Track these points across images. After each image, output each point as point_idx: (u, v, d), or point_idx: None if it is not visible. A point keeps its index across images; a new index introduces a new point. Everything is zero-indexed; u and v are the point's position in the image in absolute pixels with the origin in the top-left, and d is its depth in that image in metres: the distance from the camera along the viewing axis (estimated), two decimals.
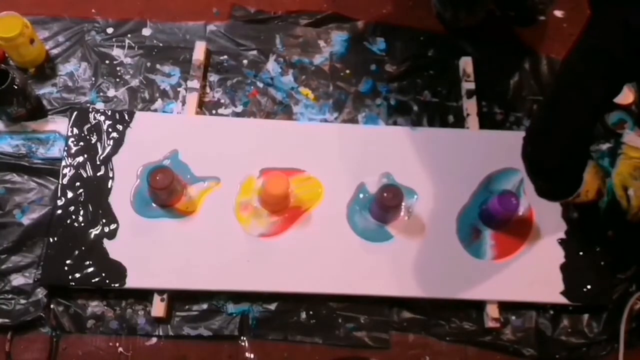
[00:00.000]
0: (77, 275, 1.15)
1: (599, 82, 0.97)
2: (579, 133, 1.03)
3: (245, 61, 1.42)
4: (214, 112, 1.36)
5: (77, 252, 1.17)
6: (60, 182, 1.23)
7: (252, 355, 1.17)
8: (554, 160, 1.07)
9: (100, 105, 1.34)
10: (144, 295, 1.18)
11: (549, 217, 1.26)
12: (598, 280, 1.23)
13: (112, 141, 1.27)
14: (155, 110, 1.35)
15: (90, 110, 1.30)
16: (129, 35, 1.42)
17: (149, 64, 1.39)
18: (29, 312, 1.16)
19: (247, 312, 1.19)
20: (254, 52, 1.42)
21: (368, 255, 1.21)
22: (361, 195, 1.25)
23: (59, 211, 1.20)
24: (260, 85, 1.39)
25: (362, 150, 1.29)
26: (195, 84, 1.35)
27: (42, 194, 1.24)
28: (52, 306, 1.17)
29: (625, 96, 1.41)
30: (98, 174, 1.24)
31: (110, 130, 1.28)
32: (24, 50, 1.31)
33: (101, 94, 1.35)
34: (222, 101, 1.37)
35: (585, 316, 1.23)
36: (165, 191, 1.17)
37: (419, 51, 1.46)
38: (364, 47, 1.46)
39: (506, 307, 1.22)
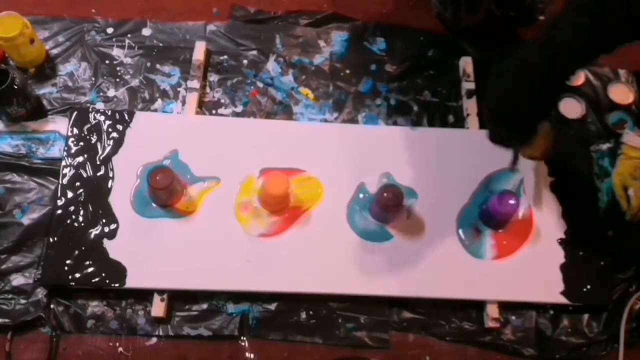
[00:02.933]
0: (77, 275, 1.15)
1: (580, 35, 0.94)
2: (542, 78, 0.99)
3: (245, 61, 1.42)
4: (214, 112, 1.36)
5: (77, 252, 1.17)
6: (60, 182, 1.23)
7: (252, 355, 1.17)
8: (508, 100, 1.02)
9: (100, 105, 1.34)
10: (144, 295, 1.18)
11: (549, 217, 1.26)
12: (598, 280, 1.22)
13: (112, 141, 1.27)
14: (155, 110, 1.34)
15: (90, 110, 1.30)
16: (129, 35, 1.42)
17: (149, 64, 1.39)
18: (29, 312, 1.16)
19: (247, 312, 1.19)
20: (254, 52, 1.42)
21: (368, 255, 1.20)
22: (361, 195, 1.25)
23: (59, 211, 1.20)
24: (260, 85, 1.39)
25: (362, 150, 1.29)
26: (195, 84, 1.35)
27: (42, 194, 1.24)
28: (52, 306, 1.17)
29: (625, 96, 1.41)
30: (98, 174, 1.24)
31: (110, 130, 1.27)
32: (24, 50, 1.31)
33: (101, 94, 1.35)
34: (222, 101, 1.37)
35: (585, 316, 1.23)
36: (165, 191, 1.17)
37: (419, 51, 1.46)
38: (364, 47, 1.45)
39: (506, 307, 1.22)
